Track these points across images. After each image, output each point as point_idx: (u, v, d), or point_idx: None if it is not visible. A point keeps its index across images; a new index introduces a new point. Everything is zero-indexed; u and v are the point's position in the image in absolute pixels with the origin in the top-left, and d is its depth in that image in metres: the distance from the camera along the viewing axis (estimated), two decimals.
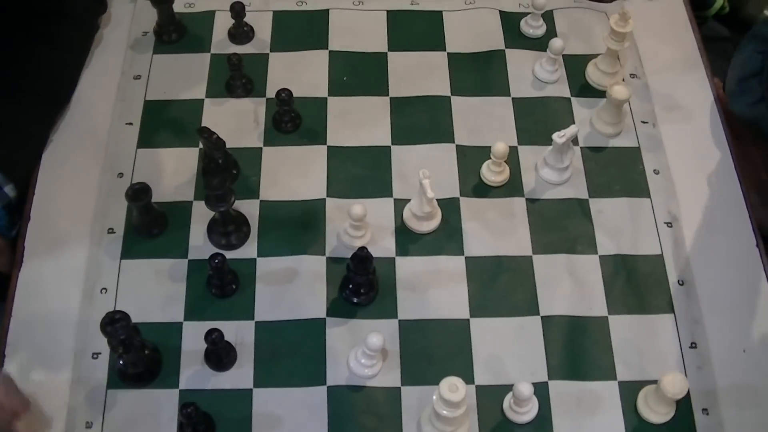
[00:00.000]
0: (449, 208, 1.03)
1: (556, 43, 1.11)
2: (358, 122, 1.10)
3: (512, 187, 1.06)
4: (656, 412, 0.90)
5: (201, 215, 1.00)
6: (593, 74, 1.15)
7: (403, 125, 1.10)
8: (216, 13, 1.20)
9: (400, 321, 0.95)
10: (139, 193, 0.95)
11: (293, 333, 0.94)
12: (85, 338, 0.93)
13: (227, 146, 1.01)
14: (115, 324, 0.83)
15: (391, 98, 1.12)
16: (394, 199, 1.04)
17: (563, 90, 1.15)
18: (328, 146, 1.07)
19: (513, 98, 1.13)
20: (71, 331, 0.93)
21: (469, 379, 0.91)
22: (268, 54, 1.16)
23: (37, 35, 1.06)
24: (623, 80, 1.15)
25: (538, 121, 1.11)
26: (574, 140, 1.05)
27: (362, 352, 0.90)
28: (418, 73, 1.15)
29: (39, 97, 1.05)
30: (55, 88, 1.08)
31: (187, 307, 0.95)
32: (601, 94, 1.13)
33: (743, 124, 1.14)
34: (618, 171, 1.08)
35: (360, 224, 0.97)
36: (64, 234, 1.00)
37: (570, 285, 0.98)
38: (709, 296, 0.99)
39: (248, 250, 0.99)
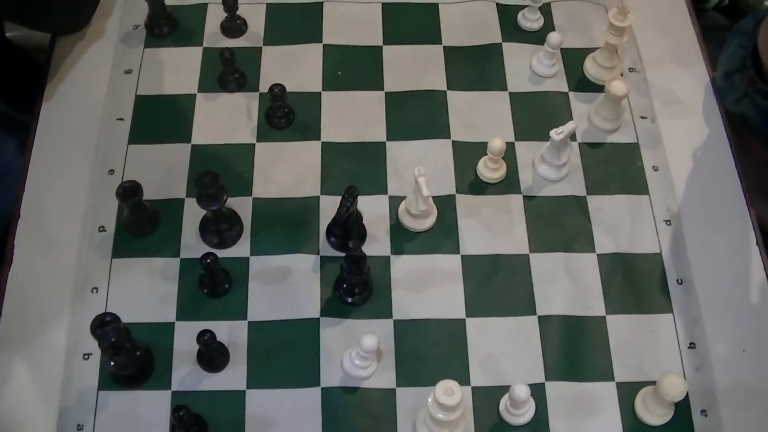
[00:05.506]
0: (445, 205, 1.01)
1: (553, 37, 1.09)
2: (353, 117, 1.08)
3: (509, 183, 1.04)
4: (654, 414, 0.89)
5: (193, 213, 0.99)
6: (591, 68, 1.13)
7: (399, 121, 1.08)
8: (208, 5, 1.18)
9: (395, 321, 0.94)
10: (129, 192, 0.94)
11: (287, 333, 0.93)
12: (77, 339, 0.91)
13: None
14: (105, 327, 0.82)
15: (386, 93, 1.10)
16: (389, 196, 1.02)
17: (561, 85, 1.13)
18: (322, 142, 1.06)
19: (510, 93, 1.11)
20: (62, 331, 0.92)
21: (464, 380, 0.90)
22: (261, 48, 1.14)
23: None
24: (622, 74, 1.14)
25: (535, 116, 1.09)
26: (572, 136, 1.03)
27: (356, 353, 0.89)
28: (414, 67, 1.13)
29: None
30: None
31: (179, 306, 0.94)
32: (599, 88, 1.11)
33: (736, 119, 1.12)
34: (616, 167, 1.06)
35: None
36: (54, 232, 0.98)
37: (567, 284, 0.97)
38: (708, 295, 0.97)
39: (241, 248, 0.98)
